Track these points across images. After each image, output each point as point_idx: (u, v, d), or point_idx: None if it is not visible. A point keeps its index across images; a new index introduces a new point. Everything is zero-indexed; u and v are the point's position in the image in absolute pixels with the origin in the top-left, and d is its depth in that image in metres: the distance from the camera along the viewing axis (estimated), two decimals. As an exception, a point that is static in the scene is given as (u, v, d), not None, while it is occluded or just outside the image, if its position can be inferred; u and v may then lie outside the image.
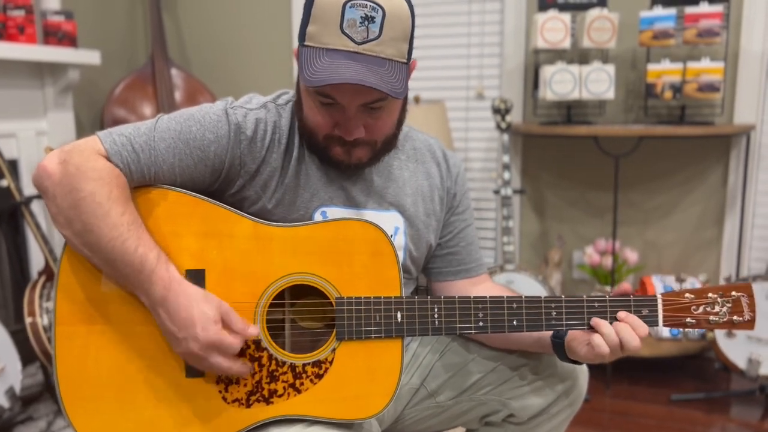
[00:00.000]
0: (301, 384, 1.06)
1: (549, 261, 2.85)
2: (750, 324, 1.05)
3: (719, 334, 2.36)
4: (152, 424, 1.05)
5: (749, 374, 2.23)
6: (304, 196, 1.14)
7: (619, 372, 2.63)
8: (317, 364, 1.06)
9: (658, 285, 2.62)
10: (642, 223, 2.88)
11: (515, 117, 2.91)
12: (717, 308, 1.05)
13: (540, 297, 1.05)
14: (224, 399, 1.06)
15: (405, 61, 1.04)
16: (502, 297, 1.06)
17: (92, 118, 3.11)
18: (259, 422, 1.06)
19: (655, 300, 1.04)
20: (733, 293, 1.05)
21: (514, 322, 1.06)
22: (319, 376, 1.06)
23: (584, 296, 1.05)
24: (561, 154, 2.93)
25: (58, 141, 2.71)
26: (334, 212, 1.16)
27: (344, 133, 1.06)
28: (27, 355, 2.26)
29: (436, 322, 1.06)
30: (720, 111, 2.65)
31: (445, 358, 1.28)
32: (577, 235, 2.97)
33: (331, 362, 1.06)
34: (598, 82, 2.59)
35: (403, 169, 1.24)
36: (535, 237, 3.05)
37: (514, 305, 1.06)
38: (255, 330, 1.01)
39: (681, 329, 2.48)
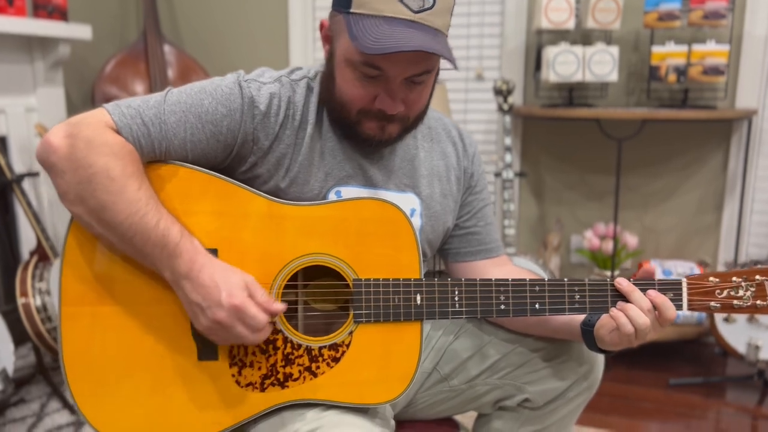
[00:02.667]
0: (317, 368, 1.03)
1: (548, 245, 2.83)
2: (774, 309, 1.03)
3: (718, 318, 2.36)
4: (163, 408, 1.02)
5: (748, 359, 2.24)
6: (318, 176, 1.11)
7: (618, 356, 2.63)
8: (334, 347, 1.03)
9: (656, 269, 2.62)
10: (641, 207, 2.87)
11: (515, 99, 2.87)
12: (741, 292, 1.03)
13: (563, 280, 1.03)
14: (238, 383, 1.02)
15: (446, 34, 1.03)
16: (525, 280, 1.03)
17: (83, 95, 3.03)
18: (274, 407, 1.03)
19: (680, 283, 1.02)
20: (758, 277, 1.03)
21: (536, 306, 1.03)
22: (336, 360, 1.03)
23: (608, 280, 1.03)
24: (561, 137, 2.90)
25: (48, 118, 2.64)
26: (350, 192, 1.12)
27: (387, 107, 1.02)
28: (18, 337, 2.21)
29: (457, 305, 1.03)
30: (723, 95, 2.63)
31: (460, 340, 1.25)
32: (575, 219, 2.96)
33: (348, 345, 1.03)
34: (601, 64, 2.56)
35: (419, 148, 1.21)
36: (533, 221, 3.03)
37: (537, 288, 1.03)
38: (280, 306, 0.97)
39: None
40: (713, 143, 2.74)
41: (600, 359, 1.21)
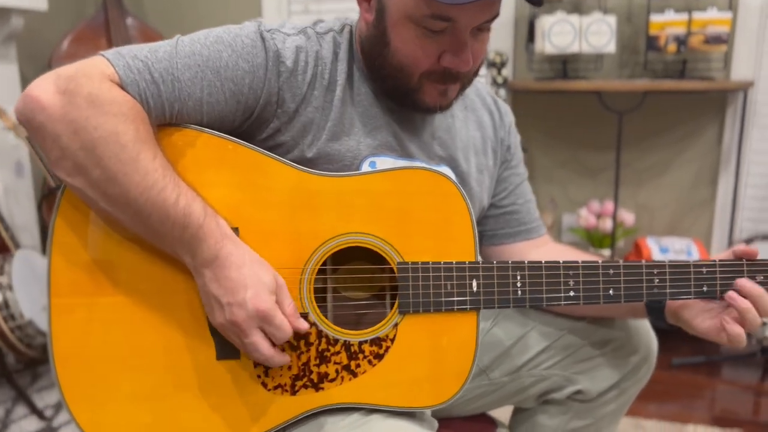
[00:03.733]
0: (357, 366, 0.88)
1: (541, 223, 2.73)
2: None
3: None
4: (175, 416, 0.86)
5: (754, 336, 2.19)
6: (349, 144, 0.95)
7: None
8: (376, 342, 0.89)
9: (653, 247, 2.55)
10: (635, 183, 2.78)
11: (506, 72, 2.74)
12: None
13: (641, 262, 0.90)
14: (264, 385, 0.87)
15: None
16: (597, 262, 0.90)
17: (38, 73, 2.76)
18: (307, 412, 0.88)
19: (771, 263, 0.91)
20: None
21: (610, 292, 0.90)
22: (379, 357, 0.89)
23: (691, 261, 0.91)
24: (554, 112, 2.79)
25: (1, 96, 2.39)
26: (385, 163, 0.97)
27: (457, 64, 0.88)
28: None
29: (519, 292, 0.90)
30: (722, 66, 2.56)
31: (499, 327, 1.12)
32: (567, 197, 2.86)
33: (392, 340, 0.89)
34: (598, 35, 2.45)
35: (454, 117, 1.06)
36: (523, 199, 2.92)
37: (611, 271, 0.90)
38: (305, 325, 0.83)
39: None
40: (708, 116, 2.67)
41: (655, 344, 1.10)
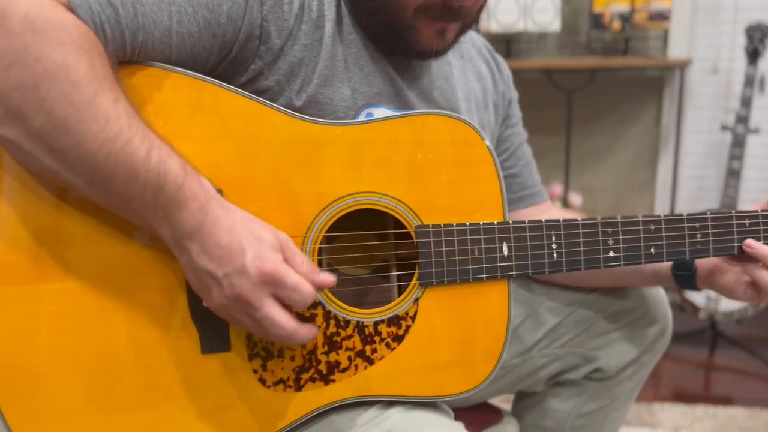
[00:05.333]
0: (374, 351, 0.74)
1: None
2: None
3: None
4: (152, 428, 0.68)
5: (708, 312, 2.20)
6: (343, 91, 0.80)
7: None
8: (395, 321, 0.74)
9: (600, 228, 2.53)
10: (579, 165, 2.76)
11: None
12: None
13: (682, 215, 0.81)
14: (262, 381, 0.71)
15: None
16: (637, 217, 0.80)
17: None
18: (315, 411, 0.73)
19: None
20: None
21: (652, 250, 0.80)
22: (399, 339, 0.74)
23: (733, 212, 0.82)
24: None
25: None
26: (384, 115, 0.83)
27: None
28: None
29: (555, 255, 0.78)
30: (661, 44, 2.57)
31: (505, 306, 1.00)
32: (511, 181, 2.81)
33: (413, 318, 0.75)
34: (543, 12, 2.40)
35: (452, 65, 0.94)
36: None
37: (652, 227, 0.80)
38: (330, 277, 0.67)
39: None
40: (646, 97, 2.69)
41: (671, 314, 1.02)
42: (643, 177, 2.76)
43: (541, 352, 1.00)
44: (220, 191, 0.69)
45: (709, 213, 0.81)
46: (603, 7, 2.38)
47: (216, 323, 0.69)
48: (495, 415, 1.05)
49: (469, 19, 0.81)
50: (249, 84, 0.76)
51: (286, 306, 0.65)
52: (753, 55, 2.26)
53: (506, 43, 2.56)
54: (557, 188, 2.56)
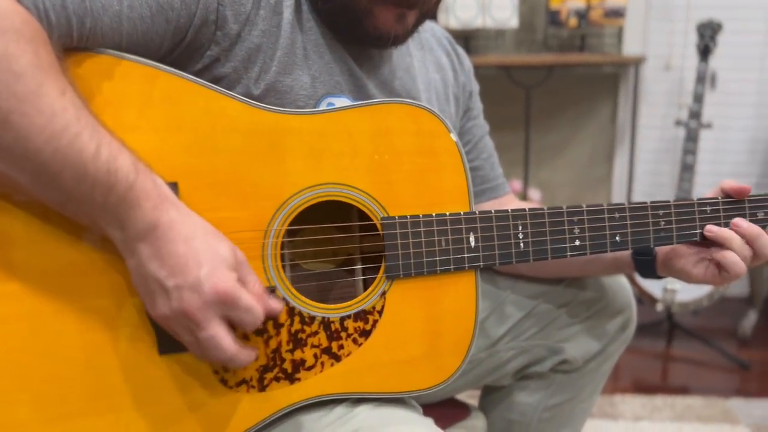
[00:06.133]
0: (340, 347, 0.71)
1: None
2: None
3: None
4: (106, 437, 0.64)
5: (665, 303, 2.23)
6: (302, 80, 0.78)
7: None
8: (362, 315, 0.72)
9: (560, 223, 2.55)
10: (535, 162, 2.79)
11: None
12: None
13: (646, 203, 0.81)
14: (224, 382, 0.68)
15: None
16: (602, 205, 0.79)
17: None
18: (281, 411, 0.70)
19: (772, 199, 0.85)
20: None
21: (617, 238, 0.80)
22: (366, 334, 0.72)
23: (695, 199, 0.82)
24: (455, 91, 2.73)
25: None
26: (344, 104, 0.80)
27: None
28: None
29: (521, 245, 0.77)
30: (616, 41, 2.61)
31: (471, 300, 0.99)
32: (471, 177, 2.81)
33: (380, 312, 0.73)
34: (501, 9, 2.40)
35: (412, 56, 0.92)
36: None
37: (617, 215, 0.79)
38: (279, 305, 0.65)
39: None
40: (603, 94, 2.72)
41: (634, 303, 1.02)
42: (600, 172, 2.80)
43: (507, 346, 0.99)
44: (175, 184, 0.66)
45: (672, 201, 0.81)
46: (560, 4, 2.41)
47: (174, 322, 0.65)
48: (462, 410, 1.04)
49: (427, 8, 0.80)
50: (205, 71, 0.73)
51: (233, 326, 0.62)
52: (704, 52, 2.31)
53: (465, 40, 2.56)
54: (516, 184, 2.58)
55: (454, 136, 0.75)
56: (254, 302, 0.61)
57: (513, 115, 2.63)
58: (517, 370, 1.01)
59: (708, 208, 0.82)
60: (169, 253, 0.59)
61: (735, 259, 0.79)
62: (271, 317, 0.66)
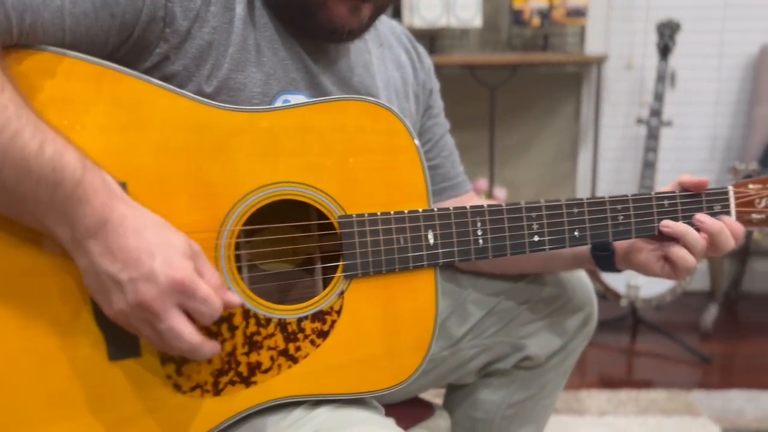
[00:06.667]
0: (298, 349, 0.70)
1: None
2: (802, 220, 0.91)
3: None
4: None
5: (629, 298, 2.26)
6: (256, 77, 0.76)
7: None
8: (319, 316, 0.71)
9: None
10: (500, 160, 2.80)
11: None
12: (776, 201, 0.89)
13: (604, 198, 0.81)
14: (178, 387, 0.66)
15: None
16: (560, 201, 0.79)
17: None
18: (237, 416, 0.68)
19: (727, 193, 0.86)
20: (787, 183, 0.90)
21: (576, 233, 0.80)
22: (324, 335, 0.71)
23: (653, 193, 0.83)
24: (420, 91, 2.73)
25: None
26: (300, 101, 0.79)
27: None
28: None
29: (480, 241, 0.77)
30: (578, 40, 2.64)
31: (433, 298, 0.99)
32: (438, 177, 2.82)
33: (339, 312, 0.72)
34: (465, 8, 2.41)
35: (371, 53, 0.91)
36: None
37: (575, 210, 0.80)
38: (238, 298, 0.63)
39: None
40: (566, 92, 2.75)
41: (596, 299, 1.03)
42: (564, 170, 2.83)
43: (470, 344, 0.98)
44: (124, 184, 0.64)
45: (630, 195, 0.82)
46: (523, 3, 2.42)
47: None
48: (426, 409, 1.03)
49: (382, 2, 0.79)
50: (155, 69, 0.71)
51: (192, 318, 0.60)
52: (664, 51, 2.35)
53: (430, 39, 2.56)
54: (482, 183, 2.59)
55: (412, 133, 0.75)
56: (212, 293, 0.60)
57: (478, 114, 2.64)
58: (480, 367, 1.01)
59: (666, 202, 0.83)
60: (121, 247, 0.58)
61: (683, 254, 0.80)
62: (229, 310, 0.65)
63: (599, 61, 2.53)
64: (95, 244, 0.58)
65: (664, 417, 1.84)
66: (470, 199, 1.03)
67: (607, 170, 2.83)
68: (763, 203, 0.88)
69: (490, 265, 0.98)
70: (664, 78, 2.33)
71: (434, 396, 1.11)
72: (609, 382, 2.09)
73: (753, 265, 2.89)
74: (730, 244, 0.81)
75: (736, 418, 1.83)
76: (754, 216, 0.87)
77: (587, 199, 0.80)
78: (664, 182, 2.68)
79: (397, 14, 2.54)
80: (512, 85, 2.58)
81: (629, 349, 2.36)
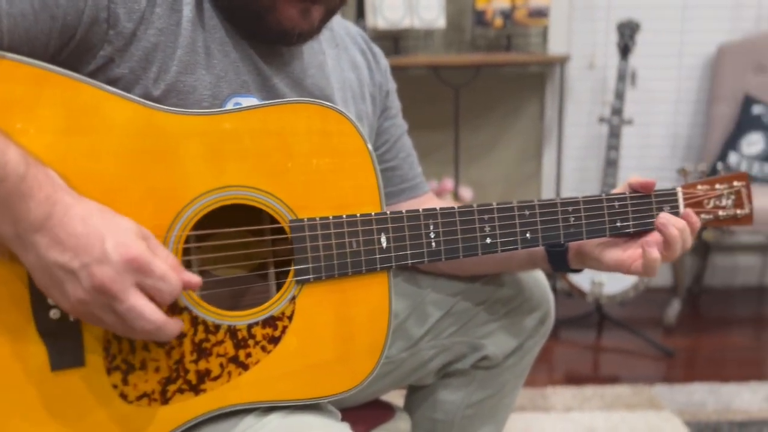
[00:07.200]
0: (248, 356, 0.69)
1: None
2: (749, 218, 0.93)
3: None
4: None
5: (594, 295, 2.29)
6: (206, 79, 0.75)
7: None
8: (270, 322, 0.70)
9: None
10: (467, 160, 2.82)
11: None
12: (724, 201, 0.91)
13: (555, 199, 0.82)
14: (124, 396, 0.65)
15: None
16: (512, 203, 0.80)
17: None
18: (186, 424, 0.67)
19: (675, 193, 0.87)
20: (735, 183, 0.92)
21: (528, 235, 0.80)
22: (275, 341, 0.70)
23: (603, 195, 0.84)
24: (387, 91, 2.73)
25: None
26: (251, 104, 0.78)
27: None
28: None
29: (433, 244, 0.77)
30: (541, 41, 2.66)
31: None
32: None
33: (290, 317, 0.71)
34: (428, 9, 2.42)
35: (325, 54, 0.90)
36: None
37: (527, 212, 0.80)
38: (197, 278, 0.63)
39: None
40: (530, 92, 2.77)
41: (552, 298, 1.04)
42: (530, 169, 2.85)
43: (429, 345, 0.99)
44: (67, 190, 0.62)
45: (581, 197, 0.83)
46: (485, 4, 2.44)
47: (67, 335, 0.62)
48: (387, 412, 1.03)
49: (333, 4, 0.79)
50: (99, 72, 0.70)
51: (152, 298, 0.60)
52: (624, 51, 2.39)
53: (394, 40, 2.56)
54: (448, 183, 2.60)
55: (363, 136, 0.74)
56: (169, 269, 0.60)
57: (443, 115, 2.65)
58: (439, 368, 1.01)
59: (616, 204, 0.84)
60: (68, 235, 0.57)
61: (657, 255, 0.81)
62: (189, 289, 0.64)
63: (562, 61, 2.56)
64: (41, 237, 0.57)
65: (628, 412, 1.87)
66: (429, 200, 1.03)
67: (572, 169, 2.87)
68: (712, 203, 0.90)
69: (448, 266, 0.99)
70: (624, 77, 2.37)
71: (398, 397, 1.11)
72: (575, 379, 2.11)
73: (714, 260, 2.95)
74: (689, 242, 0.82)
75: (698, 411, 1.87)
76: (703, 216, 0.89)
77: (538, 201, 0.81)
78: (626, 180, 2.70)
79: (360, 15, 2.54)
80: (476, 85, 2.59)
81: (595, 345, 2.39)
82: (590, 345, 2.39)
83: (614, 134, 2.34)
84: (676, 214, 0.86)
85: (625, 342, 2.37)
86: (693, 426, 1.79)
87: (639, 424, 1.80)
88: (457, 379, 1.02)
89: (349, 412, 1.01)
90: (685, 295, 2.61)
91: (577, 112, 2.81)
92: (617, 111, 2.35)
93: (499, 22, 2.44)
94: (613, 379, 2.12)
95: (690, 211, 0.84)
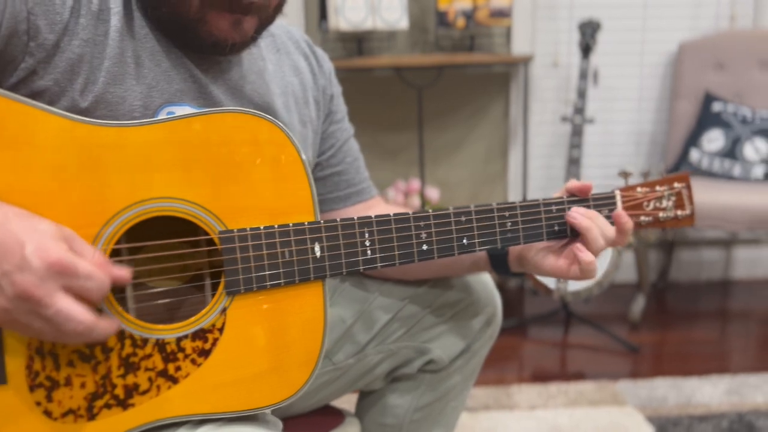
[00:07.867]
0: (177, 369, 0.69)
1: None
2: (691, 219, 0.94)
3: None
4: None
5: (559, 292, 2.31)
6: (136, 89, 0.74)
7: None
8: (200, 335, 0.69)
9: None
10: (432, 160, 2.82)
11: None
12: (665, 203, 0.92)
13: (491, 205, 0.82)
14: (48, 414, 0.64)
15: None
16: (448, 210, 0.80)
17: None
18: (114, 440, 0.66)
19: (614, 197, 0.88)
20: (675, 185, 0.93)
21: (464, 241, 0.80)
22: (205, 353, 0.70)
23: (540, 200, 0.84)
24: (353, 94, 2.72)
25: None
26: (185, 113, 0.77)
27: None
28: None
29: (369, 252, 0.76)
30: (505, 41, 2.68)
31: (337, 306, 0.99)
32: (373, 180, 2.81)
33: (221, 329, 0.70)
34: (390, 10, 2.42)
35: (266, 60, 0.90)
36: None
37: (463, 218, 0.80)
38: (126, 272, 0.63)
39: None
40: (495, 92, 2.79)
41: (499, 301, 1.04)
42: (496, 168, 2.86)
43: (375, 350, 0.99)
44: (-15, 205, 0.61)
45: (518, 202, 0.83)
46: (447, 5, 2.44)
47: (-13, 355, 0.61)
48: (336, 417, 1.03)
49: (266, 15, 0.78)
50: (22, 85, 0.69)
51: (80, 298, 0.59)
52: (585, 50, 2.41)
53: (358, 42, 2.56)
54: (415, 183, 2.60)
55: (296, 144, 0.74)
56: (94, 267, 0.59)
57: (408, 115, 2.65)
58: (387, 373, 1.01)
59: (554, 208, 0.84)
60: None
61: (591, 258, 0.81)
62: (118, 284, 0.63)
63: (525, 61, 2.58)
64: None
65: (591, 408, 1.89)
66: (376, 205, 1.03)
67: (538, 167, 2.89)
68: (652, 206, 0.90)
69: (394, 271, 0.99)
70: (586, 76, 2.39)
71: (347, 402, 1.11)
72: (541, 376, 2.13)
73: (679, 255, 2.99)
74: (608, 230, 0.83)
75: (660, 406, 1.89)
76: (643, 218, 0.90)
77: (475, 206, 0.81)
78: (590, 178, 2.76)
79: (323, 17, 2.53)
80: (441, 85, 2.60)
81: (561, 342, 2.41)
82: (557, 342, 2.41)
83: (577, 133, 2.36)
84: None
85: (591, 339, 2.40)
86: (654, 421, 1.81)
87: (602, 420, 1.82)
88: (405, 383, 1.02)
89: (298, 418, 1.01)
90: (650, 290, 2.64)
91: (541, 111, 2.83)
92: (579, 110, 2.37)
93: (461, 22, 2.45)
94: (578, 376, 2.14)
95: (621, 212, 0.85)
